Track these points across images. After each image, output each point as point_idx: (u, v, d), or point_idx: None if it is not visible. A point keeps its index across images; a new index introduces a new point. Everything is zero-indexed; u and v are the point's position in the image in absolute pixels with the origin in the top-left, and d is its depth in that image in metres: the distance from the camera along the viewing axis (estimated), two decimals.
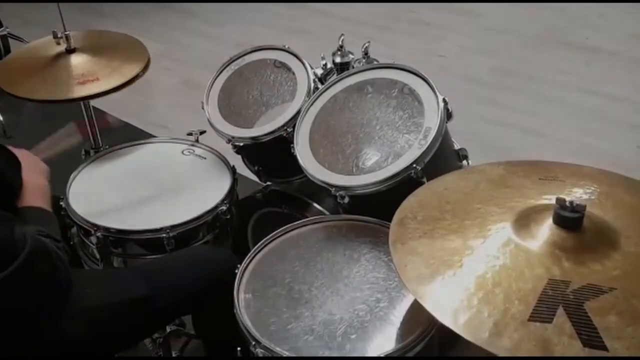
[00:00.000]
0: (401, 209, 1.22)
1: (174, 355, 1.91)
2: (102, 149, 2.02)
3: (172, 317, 1.63)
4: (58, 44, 1.91)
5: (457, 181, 1.29)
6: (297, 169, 1.60)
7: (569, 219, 1.01)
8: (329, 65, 1.86)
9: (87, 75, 1.83)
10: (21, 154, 1.43)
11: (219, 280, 1.42)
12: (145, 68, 1.89)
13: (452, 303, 0.98)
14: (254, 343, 1.21)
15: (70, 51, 1.90)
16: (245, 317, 1.27)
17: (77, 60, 1.89)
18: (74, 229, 1.71)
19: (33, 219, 1.26)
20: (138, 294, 1.37)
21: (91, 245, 1.65)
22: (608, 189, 1.18)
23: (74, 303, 1.31)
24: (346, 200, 1.51)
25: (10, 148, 1.41)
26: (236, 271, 1.36)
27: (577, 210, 1.01)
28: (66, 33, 1.89)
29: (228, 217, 1.69)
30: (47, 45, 1.94)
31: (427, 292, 1.01)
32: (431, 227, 1.14)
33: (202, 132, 1.93)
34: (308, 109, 1.68)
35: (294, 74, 1.82)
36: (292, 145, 1.63)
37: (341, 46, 1.84)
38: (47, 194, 1.40)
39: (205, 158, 1.86)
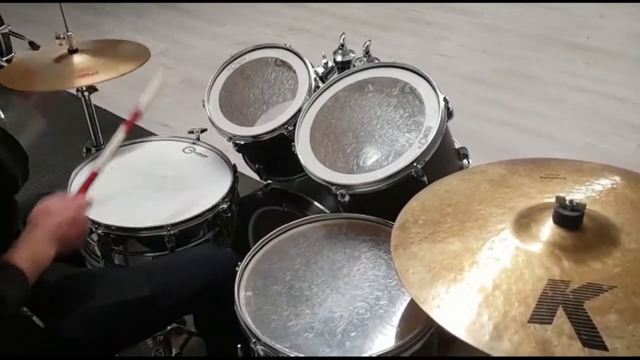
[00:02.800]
0: (403, 213, 1.22)
1: (174, 352, 1.92)
2: (103, 146, 2.03)
3: (175, 317, 1.63)
4: (60, 44, 1.94)
5: (458, 183, 1.28)
6: (298, 167, 1.60)
7: (569, 218, 1.01)
8: (330, 64, 1.86)
9: (87, 70, 1.88)
10: (65, 208, 1.30)
11: (220, 279, 1.42)
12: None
13: (452, 307, 0.98)
14: (254, 340, 1.21)
15: (72, 51, 1.95)
16: (245, 314, 1.27)
17: (79, 59, 1.94)
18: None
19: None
20: (141, 294, 1.38)
21: (92, 242, 1.65)
22: (610, 185, 1.18)
23: (77, 304, 1.32)
24: (347, 198, 1.51)
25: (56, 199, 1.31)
26: (237, 269, 1.37)
27: (577, 209, 1.01)
28: (68, 34, 1.92)
29: (229, 215, 1.70)
30: (51, 49, 2.00)
31: (428, 296, 1.01)
32: (432, 230, 1.14)
33: (203, 131, 1.94)
34: (309, 107, 1.68)
35: (295, 72, 1.82)
36: (293, 143, 1.63)
37: (342, 45, 1.84)
38: (40, 262, 1.21)
39: (206, 156, 1.86)
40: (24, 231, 1.23)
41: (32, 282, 1.17)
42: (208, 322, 1.59)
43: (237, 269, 1.37)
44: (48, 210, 1.28)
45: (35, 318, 1.22)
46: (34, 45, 4.14)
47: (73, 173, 1.78)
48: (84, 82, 1.86)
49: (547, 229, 1.03)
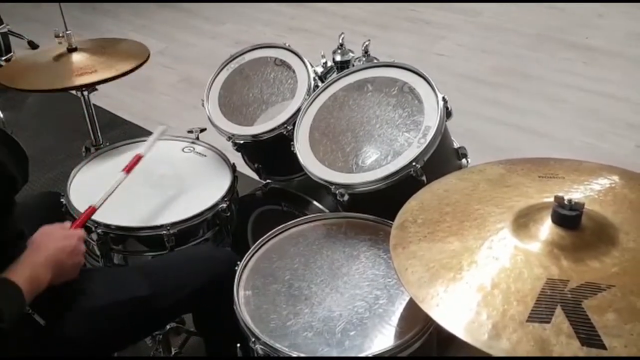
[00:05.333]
0: (402, 212, 1.22)
1: (173, 352, 1.92)
2: (102, 146, 2.03)
3: (174, 316, 1.63)
4: (60, 43, 1.94)
5: (457, 182, 1.29)
6: (297, 166, 1.60)
7: (568, 217, 1.02)
8: (329, 64, 1.86)
9: (85, 68, 1.88)
10: (65, 237, 1.31)
11: (219, 278, 1.43)
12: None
13: (451, 306, 0.98)
14: (253, 339, 1.22)
15: (71, 50, 1.95)
16: (245, 313, 1.27)
17: (78, 58, 1.94)
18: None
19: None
20: (140, 293, 1.38)
21: (92, 242, 1.65)
22: (608, 184, 1.18)
23: (77, 303, 1.32)
24: (346, 198, 1.51)
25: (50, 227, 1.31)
26: (236, 268, 1.37)
27: (576, 208, 1.02)
28: (67, 32, 1.92)
29: (228, 214, 1.70)
30: (50, 48, 1.99)
31: (427, 295, 1.01)
32: (431, 230, 1.15)
33: (202, 130, 1.94)
34: (308, 107, 1.69)
35: (294, 72, 1.82)
36: (292, 143, 1.63)
37: (341, 44, 1.84)
38: (37, 285, 1.21)
39: (205, 156, 1.87)
40: (25, 252, 1.23)
41: (28, 302, 1.17)
42: (207, 321, 1.59)
43: (236, 268, 1.37)
44: (52, 235, 1.29)
45: (36, 316, 1.22)
46: (33, 45, 4.14)
47: (72, 172, 1.78)
48: (82, 80, 1.86)
49: (546, 228, 1.04)
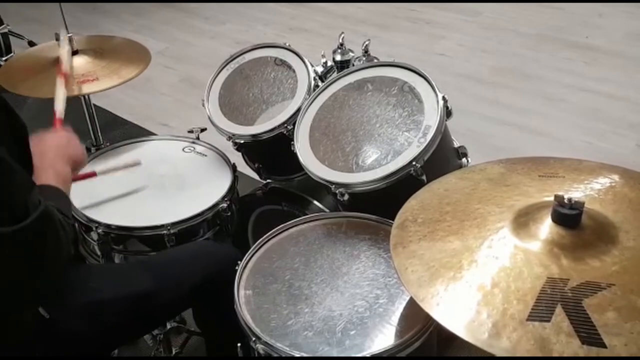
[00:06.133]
0: (402, 211, 1.22)
1: (174, 352, 1.92)
2: (103, 146, 2.03)
3: (176, 310, 1.62)
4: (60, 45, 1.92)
5: (457, 181, 1.29)
6: (297, 166, 1.60)
7: (568, 216, 1.02)
8: (329, 63, 1.86)
9: (87, 75, 1.87)
10: (56, 135, 1.40)
11: (221, 273, 1.43)
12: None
13: (451, 305, 0.98)
14: (254, 339, 1.22)
15: (72, 53, 1.92)
16: (245, 313, 1.27)
17: (79, 62, 1.92)
18: (75, 226, 1.71)
19: (45, 194, 1.19)
20: (142, 288, 1.38)
21: (92, 241, 1.66)
22: (608, 183, 1.18)
23: (80, 297, 1.32)
24: (346, 197, 1.51)
25: (53, 131, 1.41)
26: (236, 268, 1.37)
27: (576, 207, 1.02)
28: (69, 35, 1.90)
29: (228, 214, 1.70)
30: (51, 48, 1.97)
31: (427, 294, 1.01)
32: (431, 229, 1.15)
33: (202, 130, 1.94)
34: (308, 106, 1.69)
35: (294, 71, 1.82)
36: (292, 142, 1.63)
37: (341, 44, 1.84)
38: (64, 179, 1.32)
39: (205, 155, 1.87)
40: (35, 163, 1.26)
41: (68, 197, 1.28)
42: (208, 317, 1.59)
43: (238, 263, 1.37)
44: (44, 139, 1.35)
45: (41, 308, 1.22)
46: (33, 45, 4.14)
47: None
48: (84, 90, 1.85)
49: (546, 227, 1.04)
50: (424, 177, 1.45)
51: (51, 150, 1.33)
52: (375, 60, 1.77)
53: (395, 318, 1.25)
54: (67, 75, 1.73)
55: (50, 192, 1.21)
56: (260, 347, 1.20)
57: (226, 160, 1.84)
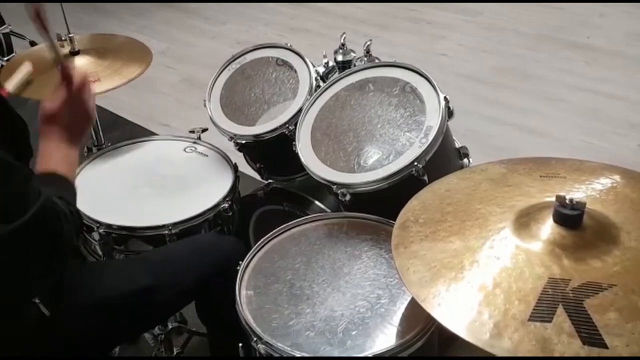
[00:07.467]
0: (404, 212, 1.22)
1: (175, 352, 1.92)
2: (104, 146, 2.03)
3: (179, 304, 1.62)
4: (62, 46, 1.92)
5: (458, 182, 1.29)
6: (299, 166, 1.60)
7: (569, 216, 1.02)
8: (331, 64, 1.86)
9: (89, 76, 1.85)
10: (63, 113, 1.33)
11: (224, 266, 1.43)
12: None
13: (453, 305, 0.98)
14: (255, 339, 1.22)
15: (74, 53, 1.92)
16: (247, 313, 1.27)
17: (81, 62, 1.91)
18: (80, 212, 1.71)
19: (49, 184, 1.20)
20: (143, 283, 1.38)
21: (93, 241, 1.66)
22: (609, 184, 1.18)
23: (82, 294, 1.32)
24: (347, 197, 1.52)
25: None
26: (238, 268, 1.37)
27: (577, 207, 1.02)
28: (70, 35, 1.91)
29: (230, 214, 1.70)
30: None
31: (429, 295, 1.01)
32: (433, 229, 1.15)
33: (204, 130, 1.94)
34: (310, 107, 1.69)
35: (295, 72, 1.82)
36: (293, 143, 1.63)
37: (343, 44, 1.84)
38: (71, 163, 1.31)
39: (207, 156, 1.87)
40: (41, 143, 1.27)
41: (74, 180, 1.29)
42: (212, 310, 1.58)
43: (238, 267, 1.37)
44: (53, 117, 1.31)
45: (41, 305, 1.23)
46: (34, 45, 4.14)
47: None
48: None
49: (547, 227, 1.04)
50: (425, 178, 1.46)
51: (60, 131, 1.30)
52: (377, 61, 1.77)
53: (396, 318, 1.25)
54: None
55: (55, 182, 1.21)
56: (261, 347, 1.20)
57: (227, 160, 1.84)
